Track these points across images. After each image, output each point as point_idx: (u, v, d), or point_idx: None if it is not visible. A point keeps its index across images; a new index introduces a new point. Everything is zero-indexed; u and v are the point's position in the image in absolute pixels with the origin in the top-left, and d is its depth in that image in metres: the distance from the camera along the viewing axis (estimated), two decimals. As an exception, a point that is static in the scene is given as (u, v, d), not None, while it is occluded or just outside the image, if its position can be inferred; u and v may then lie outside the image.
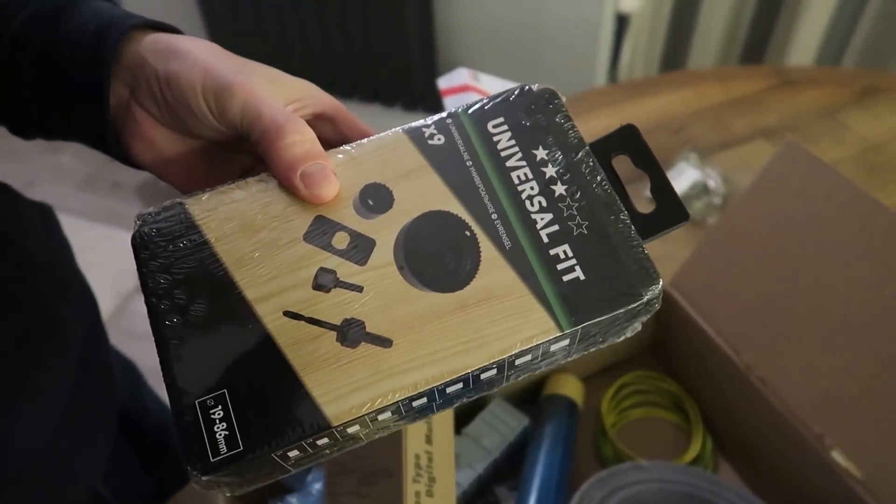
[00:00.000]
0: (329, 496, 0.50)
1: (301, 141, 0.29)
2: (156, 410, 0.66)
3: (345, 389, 0.26)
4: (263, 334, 0.27)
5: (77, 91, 0.32)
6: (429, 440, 0.47)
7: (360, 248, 0.29)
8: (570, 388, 0.62)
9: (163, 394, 0.71)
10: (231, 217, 0.29)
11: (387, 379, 0.26)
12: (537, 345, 0.27)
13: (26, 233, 0.47)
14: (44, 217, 0.52)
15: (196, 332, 0.27)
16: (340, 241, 0.29)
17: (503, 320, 0.27)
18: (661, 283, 0.28)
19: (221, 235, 0.29)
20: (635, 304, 0.28)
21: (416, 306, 0.27)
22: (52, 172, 2.07)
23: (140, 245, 0.29)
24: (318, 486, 0.51)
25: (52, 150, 2.12)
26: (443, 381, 0.26)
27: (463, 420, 0.60)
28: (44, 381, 0.44)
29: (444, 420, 0.49)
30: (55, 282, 0.49)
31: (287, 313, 0.27)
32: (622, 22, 1.72)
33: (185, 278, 0.28)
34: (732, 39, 1.67)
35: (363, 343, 0.27)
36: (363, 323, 0.27)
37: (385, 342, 0.27)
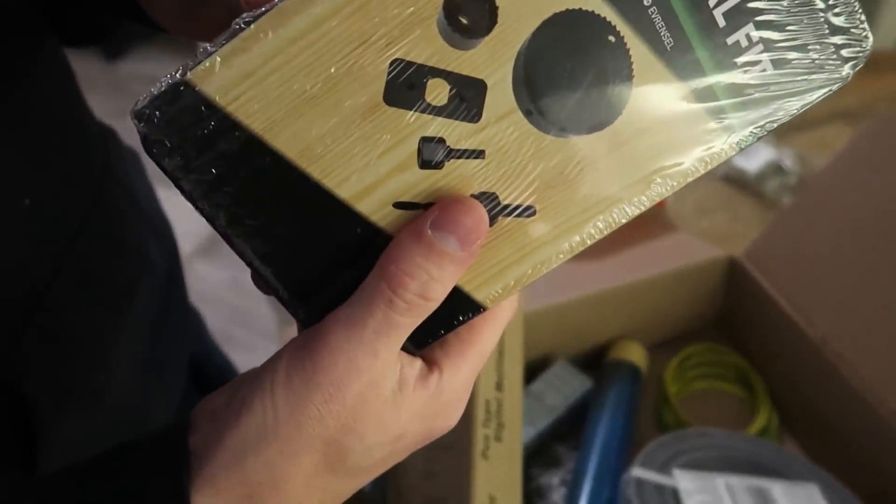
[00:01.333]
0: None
1: None
2: (220, 361, 0.68)
3: (492, 272, 0.23)
4: (380, 236, 0.22)
5: None
6: (499, 387, 0.48)
7: (468, 98, 0.21)
8: (635, 354, 0.62)
9: (225, 346, 0.73)
10: (268, 92, 0.21)
11: (535, 252, 0.23)
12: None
13: (129, 175, 0.49)
14: (135, 160, 0.54)
15: (294, 250, 0.22)
16: (437, 92, 0.21)
17: (670, 151, 0.22)
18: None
19: (269, 123, 0.21)
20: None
21: (557, 158, 0.22)
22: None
23: (160, 154, 0.21)
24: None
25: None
26: (601, 236, 0.23)
27: (527, 379, 0.61)
28: (138, 318, 0.47)
29: (513, 369, 0.50)
30: (150, 224, 0.51)
31: (399, 205, 0.22)
32: None
33: (242, 193, 0.21)
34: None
35: (500, 218, 0.23)
36: (495, 195, 0.22)
37: (527, 211, 0.23)
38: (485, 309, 0.24)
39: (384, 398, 0.23)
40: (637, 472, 0.50)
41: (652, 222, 0.73)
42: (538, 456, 0.59)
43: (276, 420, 0.22)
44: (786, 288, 0.57)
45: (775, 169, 0.82)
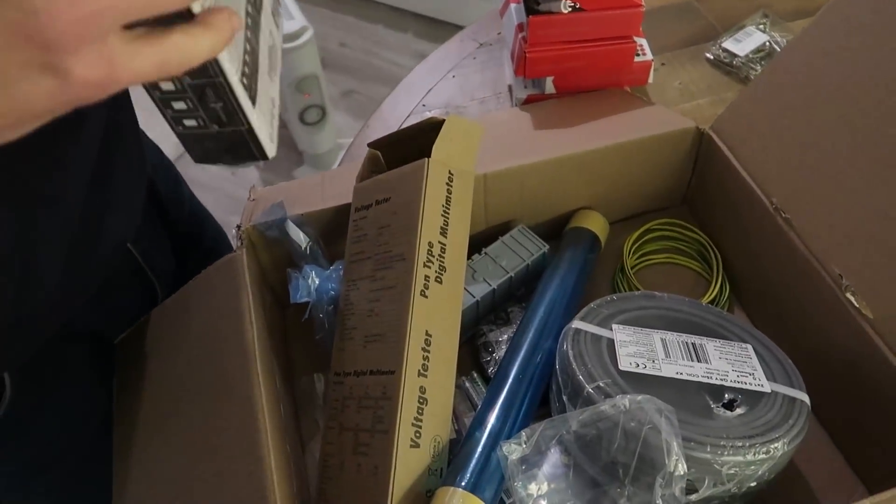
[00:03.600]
0: (346, 281, 0.53)
1: None
2: (192, 206, 0.69)
3: None
4: None
5: None
6: (443, 232, 0.49)
7: None
8: (594, 223, 0.62)
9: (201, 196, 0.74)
10: None
11: None
12: None
13: None
14: None
15: None
16: None
17: None
18: None
19: None
20: None
21: None
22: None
23: None
24: (339, 272, 0.54)
25: None
26: None
27: (486, 242, 0.62)
28: (88, 131, 0.47)
29: (460, 215, 0.50)
30: None
31: None
32: None
33: None
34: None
35: None
36: None
37: None
38: None
39: None
40: (577, 323, 0.51)
41: (631, 99, 0.71)
42: (490, 314, 0.60)
43: None
44: (748, 159, 0.57)
45: (767, 53, 0.79)
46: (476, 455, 0.45)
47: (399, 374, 0.44)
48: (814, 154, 0.52)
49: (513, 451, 0.43)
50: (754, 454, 0.42)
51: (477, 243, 0.61)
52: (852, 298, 0.48)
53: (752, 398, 0.46)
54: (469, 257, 0.61)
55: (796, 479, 0.49)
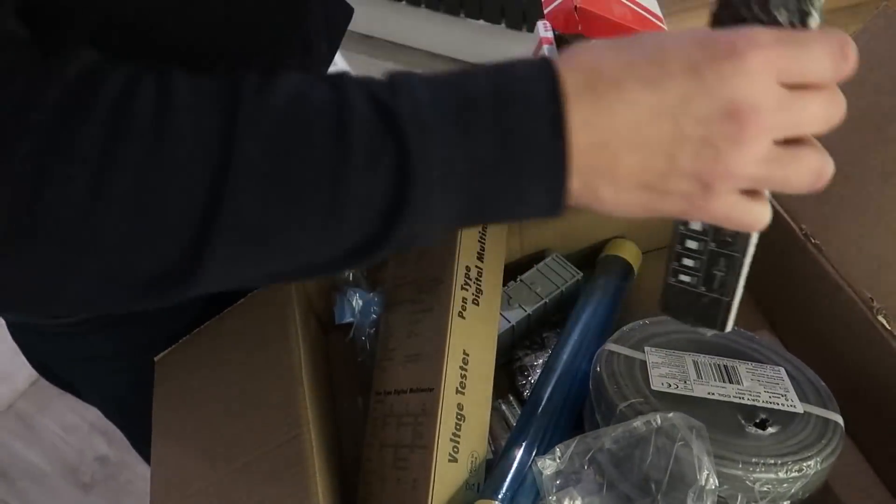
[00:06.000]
0: (388, 304, 0.55)
1: None
2: None
3: None
4: None
5: None
6: (480, 257, 0.51)
7: None
8: (628, 251, 0.64)
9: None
10: None
11: None
12: None
13: None
14: None
15: None
16: None
17: None
18: None
19: None
20: None
21: None
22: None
23: None
24: (382, 295, 0.56)
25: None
26: None
27: (521, 270, 0.64)
28: None
29: (496, 242, 0.53)
30: None
31: None
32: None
33: None
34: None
35: None
36: None
37: None
38: None
39: None
40: (610, 346, 0.52)
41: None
42: (525, 339, 0.62)
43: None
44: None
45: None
46: (512, 471, 0.47)
47: (438, 391, 0.46)
48: (841, 181, 0.53)
49: (547, 466, 0.44)
50: (787, 472, 0.42)
51: (512, 271, 0.64)
52: (884, 321, 0.49)
53: (785, 418, 0.47)
54: (505, 284, 0.63)
55: (830, 499, 0.49)
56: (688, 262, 0.37)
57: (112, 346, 0.57)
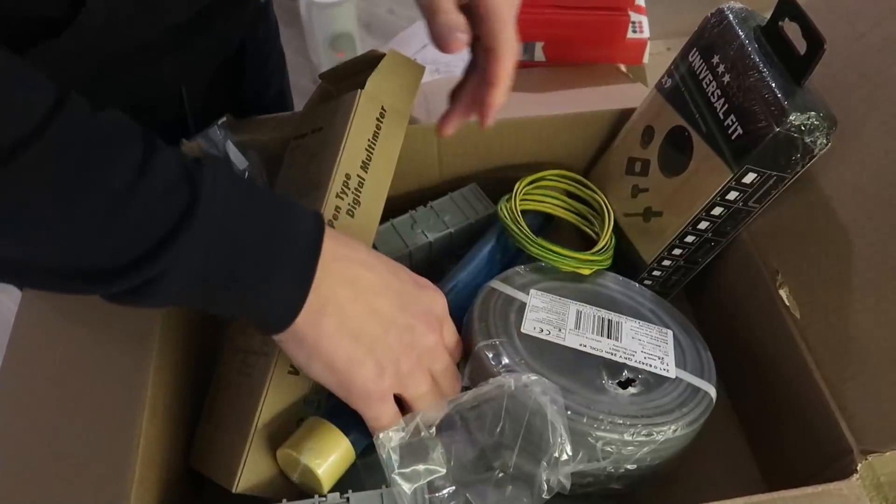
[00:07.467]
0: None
1: None
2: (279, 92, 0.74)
3: None
4: None
5: None
6: (364, 167, 0.47)
7: None
8: (550, 192, 0.60)
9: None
10: None
11: None
12: None
13: None
14: None
15: None
16: None
17: None
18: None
19: None
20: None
21: None
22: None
23: None
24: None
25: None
26: None
27: (435, 198, 0.60)
28: None
29: (386, 154, 0.48)
30: None
31: None
32: None
33: None
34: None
35: None
36: None
37: None
38: None
39: None
40: (494, 283, 0.49)
41: (616, 75, 0.68)
42: (428, 267, 0.59)
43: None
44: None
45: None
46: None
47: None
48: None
49: (391, 438, 0.40)
50: (633, 434, 0.39)
51: (427, 197, 0.60)
52: (784, 295, 0.45)
53: (654, 382, 0.43)
54: (414, 208, 0.59)
55: (696, 470, 0.46)
56: None
57: None
